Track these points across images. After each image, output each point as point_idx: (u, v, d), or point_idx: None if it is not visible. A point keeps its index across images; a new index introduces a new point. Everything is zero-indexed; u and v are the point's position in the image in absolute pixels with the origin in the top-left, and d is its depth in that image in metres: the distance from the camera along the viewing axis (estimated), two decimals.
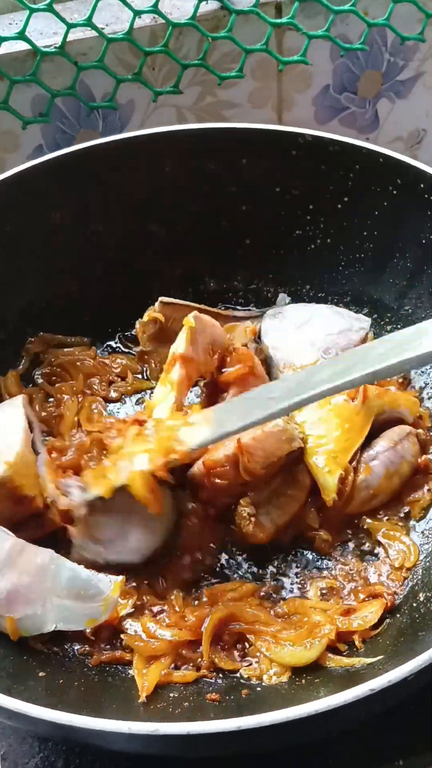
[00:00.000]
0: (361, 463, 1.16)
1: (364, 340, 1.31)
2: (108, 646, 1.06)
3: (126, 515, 1.09)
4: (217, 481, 1.13)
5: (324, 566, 1.14)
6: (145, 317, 1.31)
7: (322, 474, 1.13)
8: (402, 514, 1.18)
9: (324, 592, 1.11)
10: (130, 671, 1.03)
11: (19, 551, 1.03)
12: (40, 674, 1.00)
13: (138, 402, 1.33)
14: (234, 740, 0.82)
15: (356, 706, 0.82)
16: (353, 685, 0.83)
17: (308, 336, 1.31)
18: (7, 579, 1.01)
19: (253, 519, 1.12)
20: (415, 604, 1.06)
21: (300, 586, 1.12)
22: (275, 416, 1.06)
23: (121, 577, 1.03)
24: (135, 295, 1.38)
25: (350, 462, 1.15)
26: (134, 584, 1.10)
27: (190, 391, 1.25)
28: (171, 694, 0.99)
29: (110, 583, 1.02)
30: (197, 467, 1.15)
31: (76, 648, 1.06)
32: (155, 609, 1.08)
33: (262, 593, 1.11)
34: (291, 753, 0.99)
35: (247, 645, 1.05)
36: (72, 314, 1.38)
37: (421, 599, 1.06)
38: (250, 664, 1.03)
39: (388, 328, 1.36)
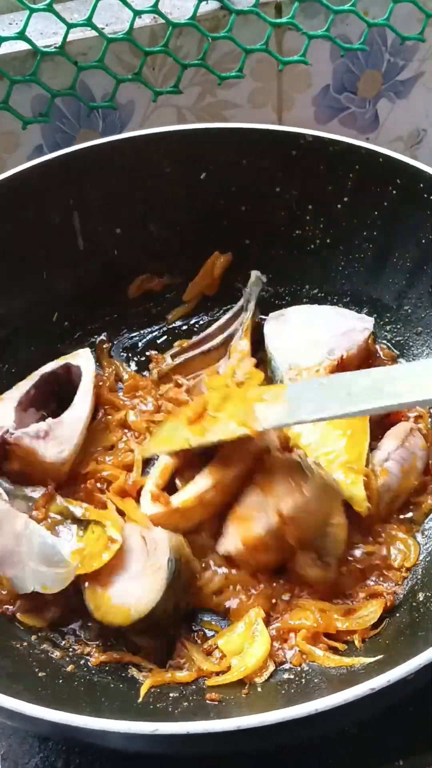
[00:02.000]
0: (375, 467, 1.14)
1: (367, 340, 1.31)
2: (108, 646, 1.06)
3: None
4: (262, 556, 1.08)
5: None
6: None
7: (347, 487, 1.10)
8: (403, 517, 1.17)
9: None
10: (130, 671, 1.03)
11: (4, 516, 1.07)
12: (40, 674, 1.00)
13: None
14: (234, 740, 0.82)
15: (356, 706, 0.82)
16: (353, 684, 0.83)
17: (312, 337, 1.29)
18: None
19: (318, 563, 1.07)
20: (414, 604, 1.06)
21: None
22: (350, 416, 1.04)
23: (82, 545, 1.06)
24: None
25: (366, 466, 1.13)
26: None
27: None
28: (171, 694, 0.99)
29: (68, 551, 1.06)
30: (234, 546, 1.09)
31: (76, 648, 1.06)
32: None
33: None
34: (291, 753, 0.99)
35: None
36: (71, 314, 1.38)
37: (421, 599, 1.06)
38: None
39: (388, 327, 1.36)
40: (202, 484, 1.12)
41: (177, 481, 1.16)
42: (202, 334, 1.35)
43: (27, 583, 1.05)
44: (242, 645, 1.04)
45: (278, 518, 1.04)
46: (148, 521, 1.09)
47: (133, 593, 1.03)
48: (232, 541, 1.09)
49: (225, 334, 1.34)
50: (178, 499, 1.11)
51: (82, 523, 1.10)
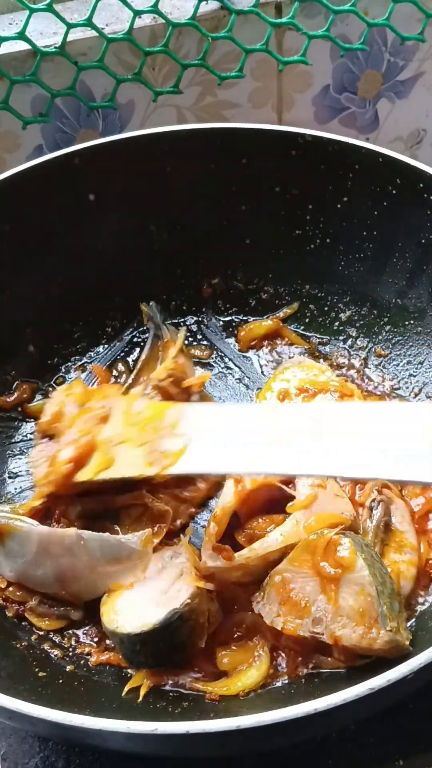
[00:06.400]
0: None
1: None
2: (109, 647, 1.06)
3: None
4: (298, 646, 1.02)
5: None
6: None
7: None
8: None
9: None
10: (130, 671, 1.03)
11: (47, 540, 1.06)
12: (40, 674, 1.01)
13: None
14: (233, 739, 0.82)
15: (356, 706, 0.82)
16: (353, 684, 0.83)
17: None
18: (47, 566, 1.06)
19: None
20: (413, 604, 1.06)
21: None
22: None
23: (147, 531, 1.06)
24: (135, 295, 1.39)
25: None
26: None
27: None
28: (171, 694, 0.99)
29: (137, 540, 1.05)
30: (271, 622, 1.01)
31: (76, 648, 1.06)
32: None
33: None
34: (291, 753, 0.99)
35: None
36: (71, 314, 1.39)
37: (420, 599, 1.06)
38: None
39: (387, 328, 1.36)
40: (271, 543, 1.04)
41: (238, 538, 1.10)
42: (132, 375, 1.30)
43: (98, 589, 1.05)
44: (238, 663, 1.02)
45: (331, 640, 0.96)
46: (194, 559, 1.05)
47: (131, 609, 1.01)
48: (271, 616, 1.01)
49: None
50: (242, 556, 1.04)
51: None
